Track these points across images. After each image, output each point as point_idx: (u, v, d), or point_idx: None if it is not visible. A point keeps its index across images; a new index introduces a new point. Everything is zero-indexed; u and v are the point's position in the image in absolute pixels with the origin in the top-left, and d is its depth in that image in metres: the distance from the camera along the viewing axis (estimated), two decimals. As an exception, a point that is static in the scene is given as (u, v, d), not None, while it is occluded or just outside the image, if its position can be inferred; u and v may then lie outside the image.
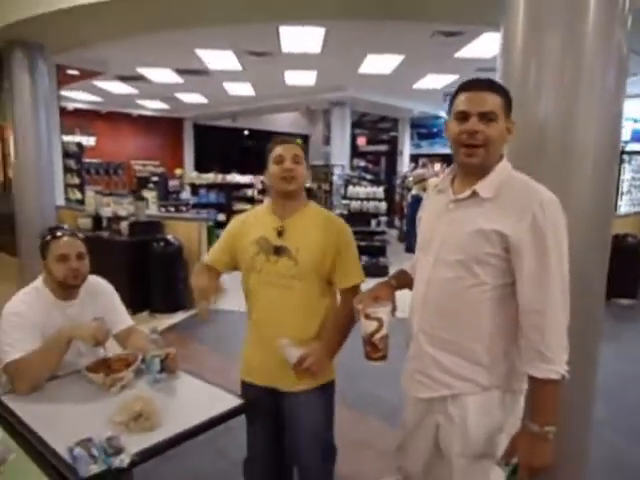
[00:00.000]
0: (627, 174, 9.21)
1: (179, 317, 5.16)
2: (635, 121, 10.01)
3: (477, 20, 4.93)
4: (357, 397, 3.23)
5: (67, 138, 9.20)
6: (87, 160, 11.15)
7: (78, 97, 10.99)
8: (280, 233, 1.71)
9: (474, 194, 1.33)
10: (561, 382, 1.24)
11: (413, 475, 1.61)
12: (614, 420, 3.10)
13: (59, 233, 1.93)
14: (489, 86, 1.33)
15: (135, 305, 5.20)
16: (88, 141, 12.09)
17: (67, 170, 7.74)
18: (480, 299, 1.33)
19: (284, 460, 1.90)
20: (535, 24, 1.92)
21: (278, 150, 1.71)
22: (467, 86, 1.34)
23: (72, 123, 11.24)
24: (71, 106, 11.53)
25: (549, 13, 1.88)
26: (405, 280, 1.63)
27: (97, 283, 2.09)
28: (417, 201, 7.96)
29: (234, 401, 1.69)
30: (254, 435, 1.91)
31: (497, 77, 2.10)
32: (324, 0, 4.47)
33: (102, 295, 2.07)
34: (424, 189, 7.96)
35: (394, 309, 1.52)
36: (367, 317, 1.45)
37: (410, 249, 7.93)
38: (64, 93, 9.91)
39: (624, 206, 9.01)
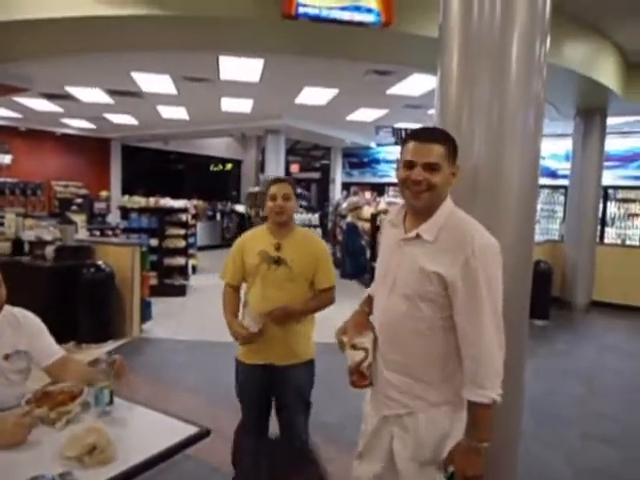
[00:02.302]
0: (537, 205, 10.12)
1: (108, 347, 4.91)
2: (542, 158, 11.07)
3: (408, 62, 5.33)
4: (317, 427, 3.23)
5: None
6: (2, 179, 10.43)
7: (-6, 112, 10.29)
8: (278, 248, 2.25)
9: (418, 236, 1.49)
10: (493, 405, 1.40)
11: None
12: (538, 432, 3.38)
13: None
14: (435, 137, 1.48)
15: (59, 335, 4.84)
16: (4, 159, 11.30)
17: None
18: (425, 329, 1.49)
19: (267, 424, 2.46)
20: (467, 71, 2.16)
21: (272, 189, 2.25)
22: (416, 136, 1.49)
23: (-14, 139, 10.49)
24: (-15, 122, 10.78)
25: (479, 61, 2.12)
26: (371, 305, 1.72)
27: (21, 315, 1.97)
28: (352, 228, 8.23)
29: (189, 429, 1.68)
30: (250, 406, 2.41)
31: (434, 118, 2.32)
32: (263, 35, 4.64)
33: (26, 328, 1.95)
34: (358, 217, 8.25)
35: (375, 337, 1.60)
36: (354, 348, 1.56)
37: (345, 275, 8.12)
38: (-21, 108, 9.27)
39: (535, 235, 9.85)
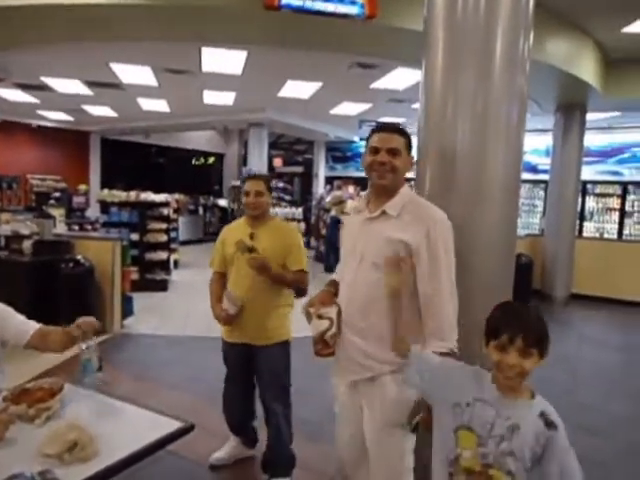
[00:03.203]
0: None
1: (89, 342, 4.81)
2: (524, 153, 11.20)
3: (392, 56, 5.32)
4: (300, 425, 3.21)
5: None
6: (-24, 173, 10.14)
7: (-33, 103, 9.98)
8: (252, 237, 2.47)
9: (383, 213, 1.71)
10: (452, 355, 1.59)
11: (347, 462, 1.89)
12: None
13: None
14: (396, 129, 1.75)
15: (38, 331, 4.78)
16: (-22, 152, 10.99)
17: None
18: None
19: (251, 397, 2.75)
20: (452, 65, 2.16)
21: (246, 186, 2.49)
22: (379, 129, 1.76)
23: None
24: (-42, 113, 10.45)
25: (463, 55, 2.13)
26: (337, 288, 1.88)
27: (2, 310, 1.95)
28: (335, 222, 8.22)
29: (173, 424, 1.66)
30: (231, 379, 2.69)
31: (419, 111, 2.32)
32: (247, 26, 4.59)
33: (6, 320, 1.93)
34: (342, 211, 8.25)
35: (339, 311, 1.74)
36: (320, 317, 1.70)
37: (329, 269, 8.10)
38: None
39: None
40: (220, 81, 7.23)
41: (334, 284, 1.90)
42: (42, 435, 1.49)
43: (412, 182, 2.29)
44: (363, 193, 1.94)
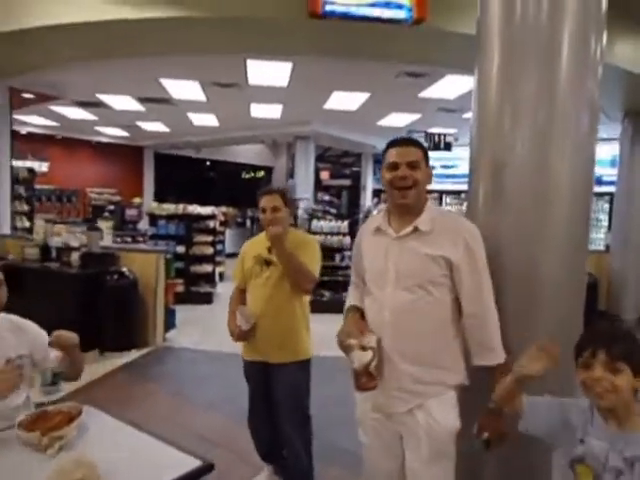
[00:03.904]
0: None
1: (131, 356, 4.82)
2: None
3: (442, 63, 5.08)
4: (322, 448, 3.03)
5: (18, 163, 8.76)
6: (39, 186, 10.67)
7: (32, 121, 10.57)
8: (270, 250, 2.36)
9: (416, 230, 1.63)
10: (505, 365, 1.54)
11: None
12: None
13: None
14: (412, 142, 1.71)
15: (84, 343, 4.79)
16: (41, 166, 11.58)
17: (16, 197, 7.31)
18: (437, 313, 1.62)
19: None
20: (509, 70, 1.92)
21: (262, 202, 2.35)
22: (395, 143, 1.70)
23: (25, 148, 10.76)
24: (24, 130, 11.08)
25: (523, 59, 1.88)
26: (360, 313, 1.79)
27: (17, 320, 1.93)
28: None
29: (188, 461, 1.49)
30: (253, 398, 2.55)
31: (471, 121, 2.10)
32: (292, 37, 4.50)
33: (26, 332, 1.91)
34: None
35: (379, 339, 1.62)
36: (363, 348, 1.56)
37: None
38: (18, 117, 9.51)
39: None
40: (266, 94, 7.23)
41: (356, 309, 1.81)
42: (50, 469, 1.36)
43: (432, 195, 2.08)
44: (380, 213, 1.79)
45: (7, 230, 6.32)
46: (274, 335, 2.35)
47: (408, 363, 1.61)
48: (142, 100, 7.98)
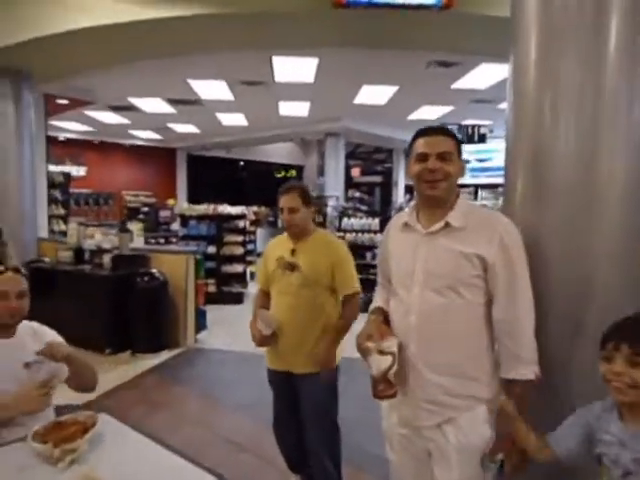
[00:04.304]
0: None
1: (162, 357, 4.82)
2: None
3: (474, 50, 4.85)
4: (352, 452, 2.91)
5: (56, 168, 9.02)
6: (76, 190, 10.98)
7: (70, 127, 10.89)
8: (293, 253, 2.22)
9: (447, 225, 1.47)
10: (537, 380, 1.42)
11: None
12: None
13: (1, 269, 1.82)
14: (444, 131, 1.54)
15: (115, 345, 4.87)
16: (78, 171, 11.92)
17: (52, 201, 7.50)
18: (469, 318, 1.47)
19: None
20: (548, 53, 1.72)
21: (280, 202, 2.22)
22: (424, 132, 1.53)
23: (62, 153, 11.10)
24: (62, 136, 11.41)
25: (564, 44, 1.69)
26: (384, 316, 1.65)
27: (39, 328, 1.96)
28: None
29: (204, 477, 1.41)
30: (277, 407, 2.45)
31: (507, 111, 1.93)
32: (317, 29, 4.38)
33: (42, 335, 1.91)
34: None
35: (400, 343, 1.50)
36: (382, 353, 1.44)
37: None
38: (55, 123, 9.80)
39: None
40: (294, 91, 7.14)
41: (381, 312, 1.67)
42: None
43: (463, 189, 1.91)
44: (409, 208, 1.63)
45: (44, 233, 6.48)
46: (298, 344, 2.21)
47: (436, 373, 1.47)
48: (172, 102, 8.05)
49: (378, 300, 1.73)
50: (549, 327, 1.56)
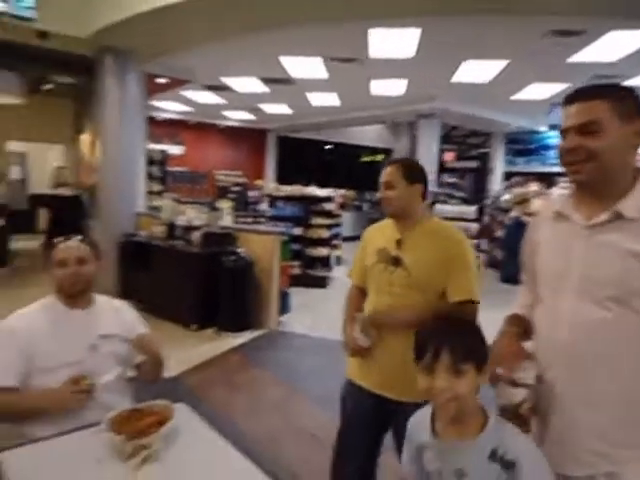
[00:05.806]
0: None
1: (245, 337, 4.80)
2: None
3: (603, 13, 4.17)
4: None
5: (155, 146, 9.43)
6: (173, 168, 11.46)
7: (168, 107, 11.33)
8: (399, 244, 1.78)
9: (617, 216, 1.11)
10: None
11: None
12: None
13: (61, 239, 1.82)
14: (591, 93, 1.13)
15: (202, 320, 4.94)
16: (177, 150, 12.44)
17: (151, 177, 7.81)
18: None
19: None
20: None
21: (380, 177, 1.82)
22: (567, 98, 1.17)
23: (161, 132, 11.60)
24: (161, 117, 11.93)
25: None
26: (524, 327, 1.33)
27: (122, 306, 1.98)
28: (518, 225, 7.08)
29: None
30: (346, 432, 1.94)
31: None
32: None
33: (124, 315, 1.93)
34: (525, 211, 7.06)
35: (540, 375, 1.21)
36: (514, 384, 1.18)
37: (508, 280, 7.00)
38: (155, 103, 10.23)
39: None
40: (388, 68, 6.74)
41: (520, 321, 1.35)
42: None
43: None
44: (549, 191, 1.13)
45: (142, 208, 6.75)
46: (402, 364, 1.58)
47: (592, 411, 1.13)
48: (266, 81, 8.00)
49: (518, 305, 1.42)
50: None
